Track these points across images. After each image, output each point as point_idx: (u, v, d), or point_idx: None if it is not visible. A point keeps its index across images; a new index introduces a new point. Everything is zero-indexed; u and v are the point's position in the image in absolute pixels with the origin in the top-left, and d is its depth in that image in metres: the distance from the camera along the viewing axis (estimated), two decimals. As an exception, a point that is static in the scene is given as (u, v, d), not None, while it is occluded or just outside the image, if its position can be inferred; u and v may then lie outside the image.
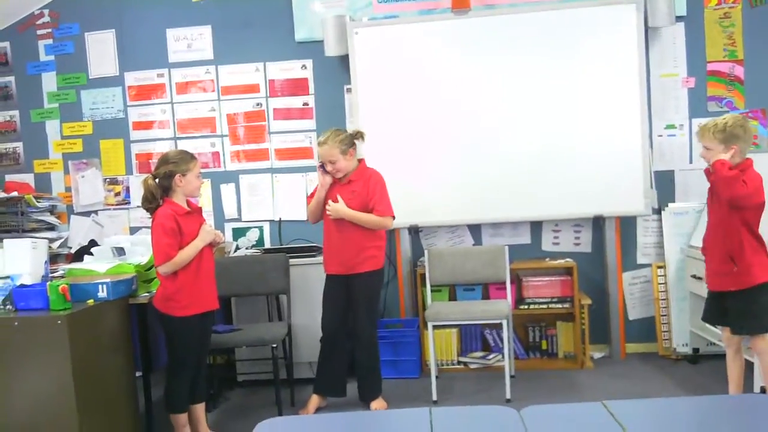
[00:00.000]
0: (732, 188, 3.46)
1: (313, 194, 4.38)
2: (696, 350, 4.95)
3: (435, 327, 4.58)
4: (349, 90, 5.30)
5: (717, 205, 3.64)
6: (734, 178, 3.45)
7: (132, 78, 5.60)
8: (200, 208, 3.95)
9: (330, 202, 4.26)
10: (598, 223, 5.16)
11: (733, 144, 3.51)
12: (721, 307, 3.74)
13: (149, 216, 3.80)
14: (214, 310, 3.93)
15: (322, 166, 4.29)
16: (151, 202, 3.74)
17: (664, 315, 5.12)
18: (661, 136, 5.20)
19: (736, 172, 3.47)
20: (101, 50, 5.61)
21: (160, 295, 3.77)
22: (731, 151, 3.51)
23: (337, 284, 4.34)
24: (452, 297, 5.25)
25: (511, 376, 4.58)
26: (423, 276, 4.96)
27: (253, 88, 5.49)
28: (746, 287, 3.56)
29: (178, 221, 3.67)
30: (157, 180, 3.73)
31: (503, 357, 4.59)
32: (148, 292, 3.94)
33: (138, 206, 5.49)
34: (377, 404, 4.34)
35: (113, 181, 5.68)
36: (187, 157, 3.79)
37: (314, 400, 4.39)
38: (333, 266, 4.35)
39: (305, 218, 5.24)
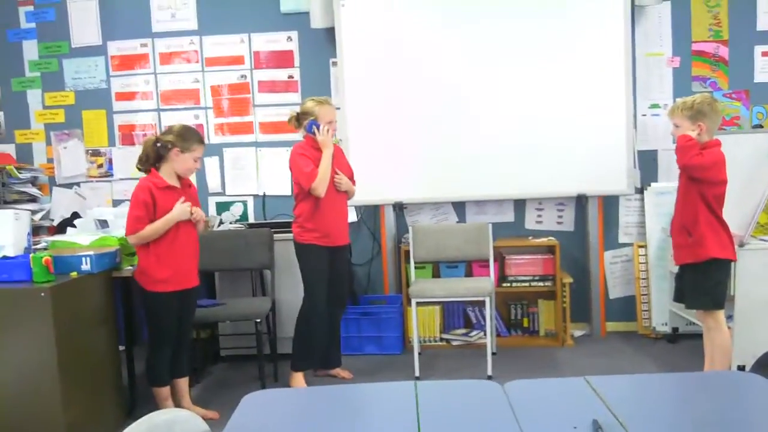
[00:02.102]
0: (686, 155, 3.55)
1: (314, 165, 4.12)
2: (675, 329, 5.02)
3: (418, 304, 4.60)
4: (334, 63, 5.27)
5: (681, 180, 3.72)
6: (690, 147, 3.55)
7: (115, 47, 5.53)
8: (191, 184, 3.93)
9: (338, 171, 4.24)
10: (580, 202, 5.19)
11: (699, 121, 3.58)
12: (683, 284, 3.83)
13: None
14: (196, 287, 3.92)
15: (317, 125, 4.17)
16: (143, 164, 3.75)
17: (645, 294, 5.18)
18: (645, 115, 5.23)
19: (694, 142, 3.55)
20: (84, 18, 5.53)
21: (138, 268, 3.78)
22: (698, 129, 3.57)
23: (333, 256, 4.31)
24: (436, 274, 5.28)
25: (493, 353, 4.62)
26: (407, 253, 4.98)
27: (237, 60, 5.45)
28: (700, 260, 3.64)
29: (154, 195, 3.67)
30: (158, 144, 3.71)
31: (485, 334, 4.63)
32: (131, 266, 3.92)
33: (121, 179, 5.55)
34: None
35: (96, 153, 5.63)
36: (195, 138, 3.78)
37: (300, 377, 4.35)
38: (342, 237, 4.35)
39: (290, 193, 5.29)
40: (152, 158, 3.72)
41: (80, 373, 3.50)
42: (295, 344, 4.33)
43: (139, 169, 3.80)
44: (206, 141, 5.40)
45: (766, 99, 5.14)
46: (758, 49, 5.13)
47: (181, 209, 3.73)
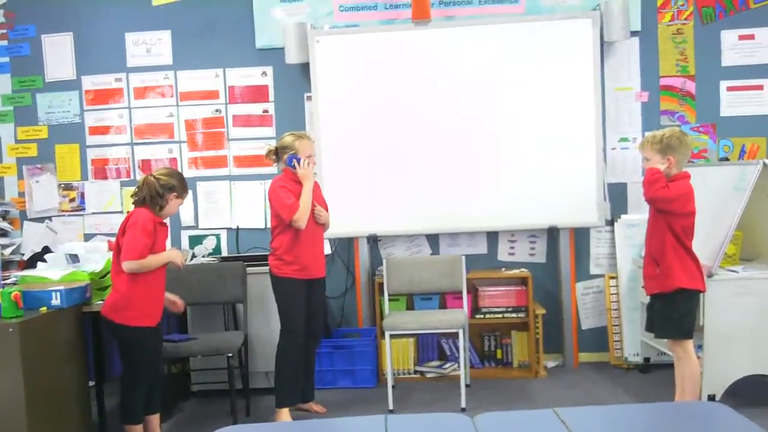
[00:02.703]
0: (652, 188, 3.63)
1: (295, 197, 4.13)
2: (647, 359, 5.05)
3: (392, 336, 4.60)
4: (309, 98, 5.31)
5: (650, 212, 3.80)
6: (656, 180, 3.62)
7: (89, 82, 5.54)
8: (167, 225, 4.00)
9: (317, 205, 4.26)
10: (552, 234, 5.24)
11: (669, 155, 3.65)
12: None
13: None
14: (161, 322, 3.92)
15: (298, 159, 4.19)
16: (148, 203, 3.77)
17: (616, 325, 5.22)
18: (614, 148, 5.31)
19: (660, 176, 3.63)
20: (58, 53, 5.54)
21: (111, 303, 3.72)
22: (667, 162, 3.64)
23: (310, 289, 4.30)
24: (410, 306, 5.28)
25: (467, 385, 4.62)
26: (381, 285, 4.98)
27: (212, 95, 5.47)
28: (668, 290, 3.70)
29: (156, 227, 3.74)
30: (160, 183, 3.77)
31: (459, 366, 4.63)
32: (102, 300, 3.89)
33: (93, 213, 5.52)
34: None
35: (68, 187, 5.60)
36: (187, 188, 3.92)
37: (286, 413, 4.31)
38: (320, 269, 4.36)
39: (264, 226, 5.29)
40: (160, 193, 3.76)
41: (49, 410, 3.45)
42: (277, 380, 4.28)
43: (134, 202, 3.83)
44: (180, 174, 5.45)
45: (732, 132, 5.25)
46: (723, 84, 5.25)
47: (178, 254, 3.86)
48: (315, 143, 4.34)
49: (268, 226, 4.38)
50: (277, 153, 4.28)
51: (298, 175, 4.19)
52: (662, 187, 3.62)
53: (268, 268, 4.30)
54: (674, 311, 3.72)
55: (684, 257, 3.69)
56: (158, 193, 3.75)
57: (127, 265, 3.64)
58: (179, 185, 3.84)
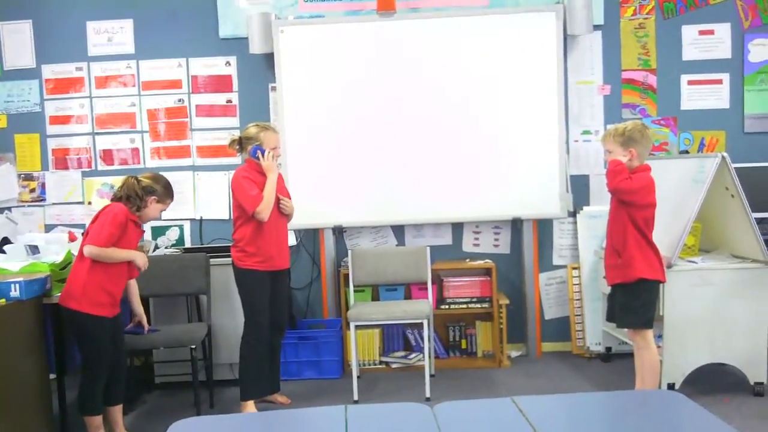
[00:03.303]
0: (615, 179, 3.68)
1: (258, 189, 4.10)
2: (608, 349, 5.13)
3: (357, 327, 4.61)
4: (273, 88, 5.29)
5: (612, 204, 3.86)
6: (619, 171, 3.68)
7: (49, 71, 5.45)
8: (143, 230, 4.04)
9: (282, 197, 4.23)
10: (516, 225, 5.29)
11: (630, 147, 3.71)
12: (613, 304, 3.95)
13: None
14: (120, 314, 3.91)
15: (262, 151, 4.16)
16: (128, 202, 3.78)
17: (579, 315, 5.29)
18: (577, 141, 5.37)
19: (623, 167, 3.69)
20: (17, 41, 5.44)
21: (67, 290, 3.70)
22: (629, 154, 3.70)
23: (273, 280, 4.29)
24: (375, 297, 5.30)
25: (431, 375, 4.65)
26: (346, 276, 4.99)
27: (175, 84, 5.42)
28: (629, 280, 3.76)
29: (128, 224, 3.73)
30: (141, 185, 3.81)
31: (424, 356, 4.66)
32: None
33: (54, 203, 5.45)
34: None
35: (28, 177, 5.51)
36: (171, 194, 3.95)
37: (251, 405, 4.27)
38: (284, 261, 4.33)
39: (228, 217, 5.26)
40: (139, 194, 3.78)
41: (9, 403, 3.40)
42: (242, 373, 4.25)
43: (112, 199, 3.86)
44: (142, 165, 5.41)
45: (692, 126, 5.34)
46: (684, 78, 5.33)
47: (142, 257, 3.83)
48: (279, 135, 4.31)
49: (232, 217, 4.34)
50: (241, 143, 4.25)
51: (263, 167, 4.17)
52: (625, 178, 3.67)
53: (231, 259, 4.27)
54: (635, 301, 3.78)
55: (645, 248, 3.76)
56: (137, 194, 3.78)
57: (87, 249, 3.64)
58: (162, 191, 3.86)
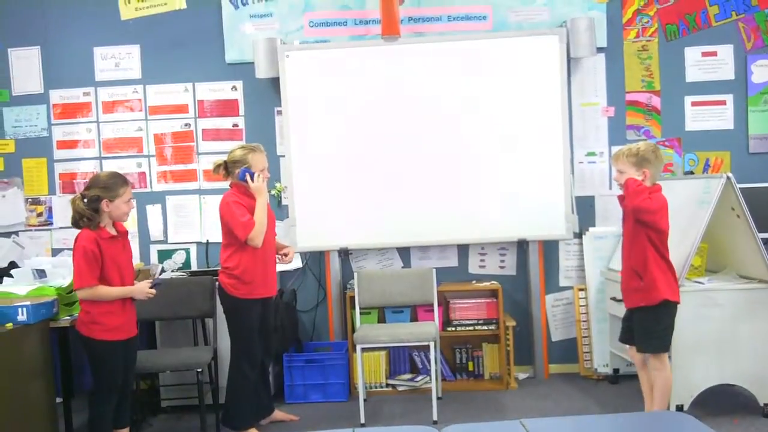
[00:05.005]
0: (637, 198, 3.65)
1: (249, 213, 4.05)
2: (616, 370, 5.10)
3: (363, 350, 4.60)
4: (279, 112, 5.32)
5: (628, 225, 3.83)
6: (641, 191, 3.67)
7: (57, 96, 5.49)
8: (126, 231, 3.83)
9: (287, 248, 4.25)
10: (522, 246, 5.29)
11: (644, 168, 3.71)
12: (631, 326, 3.90)
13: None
14: (137, 336, 3.87)
15: (251, 174, 4.11)
16: (84, 223, 3.61)
17: (586, 336, 5.27)
18: (581, 162, 5.38)
19: (643, 186, 3.68)
20: (25, 67, 5.49)
21: (80, 317, 3.68)
22: (642, 175, 3.71)
23: (263, 307, 4.29)
24: (381, 319, 5.29)
25: (438, 398, 4.63)
26: (352, 299, 4.99)
27: (181, 108, 5.46)
28: (653, 303, 3.73)
29: (101, 245, 3.58)
30: (85, 200, 3.61)
31: (431, 379, 4.64)
32: (69, 316, 3.85)
33: (61, 227, 5.46)
34: None
35: (35, 201, 5.54)
36: (119, 182, 3.67)
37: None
38: (274, 288, 4.33)
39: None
40: (88, 214, 3.59)
41: (16, 426, 3.40)
42: (236, 402, 4.19)
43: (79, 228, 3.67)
44: (149, 188, 5.43)
45: (697, 146, 5.34)
46: (688, 99, 5.34)
47: (139, 290, 3.70)
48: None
49: (221, 243, 4.28)
50: (227, 167, 4.21)
51: (252, 189, 4.09)
52: (646, 197, 3.65)
53: (219, 284, 4.21)
54: (658, 324, 3.74)
55: (665, 270, 3.73)
56: (84, 211, 3.58)
57: (80, 294, 3.59)
58: (104, 189, 3.61)
